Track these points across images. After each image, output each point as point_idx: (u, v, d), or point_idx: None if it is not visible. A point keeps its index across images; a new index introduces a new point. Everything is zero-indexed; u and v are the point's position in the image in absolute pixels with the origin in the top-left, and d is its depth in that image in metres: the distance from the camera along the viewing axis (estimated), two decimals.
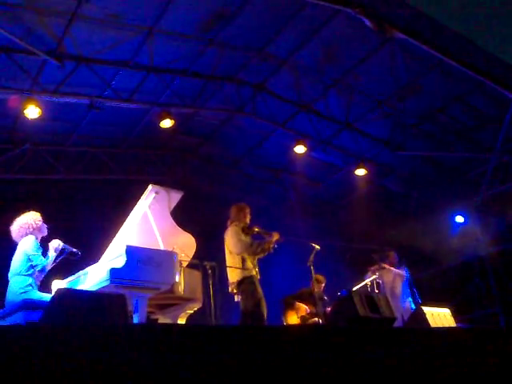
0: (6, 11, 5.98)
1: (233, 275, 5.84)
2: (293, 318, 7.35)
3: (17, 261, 4.82)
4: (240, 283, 5.76)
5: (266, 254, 6.08)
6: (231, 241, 5.93)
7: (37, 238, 4.95)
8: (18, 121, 7.70)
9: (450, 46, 7.05)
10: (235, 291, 5.83)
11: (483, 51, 7.16)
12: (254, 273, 5.84)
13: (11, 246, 5.01)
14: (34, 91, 6.96)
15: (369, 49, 7.46)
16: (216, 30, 6.91)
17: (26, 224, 4.98)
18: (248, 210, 6.17)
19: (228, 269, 5.90)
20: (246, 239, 5.92)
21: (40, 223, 5.06)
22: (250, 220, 6.18)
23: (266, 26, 7.02)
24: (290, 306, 7.42)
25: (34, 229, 4.98)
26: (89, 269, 5.11)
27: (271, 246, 5.99)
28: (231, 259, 5.92)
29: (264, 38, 7.27)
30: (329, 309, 7.20)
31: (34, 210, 5.12)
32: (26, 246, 4.85)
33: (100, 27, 6.48)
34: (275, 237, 6.01)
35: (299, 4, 6.49)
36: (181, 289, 5.27)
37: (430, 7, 6.39)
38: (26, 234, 4.95)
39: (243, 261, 5.83)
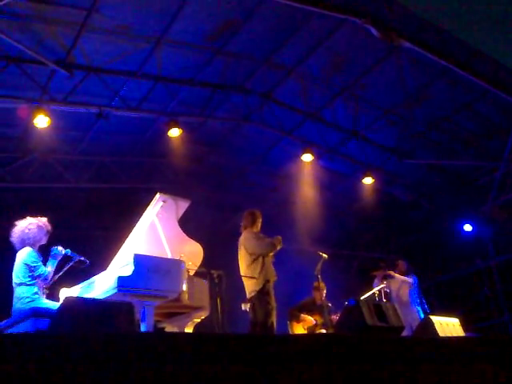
0: (16, 21, 6.06)
1: (249, 284, 5.80)
2: (299, 330, 7.29)
3: (18, 271, 4.75)
4: (259, 292, 5.72)
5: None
6: (253, 243, 5.90)
7: (33, 246, 4.85)
8: (27, 130, 7.77)
9: (456, 55, 7.06)
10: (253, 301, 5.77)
11: (490, 59, 7.17)
12: (273, 278, 5.81)
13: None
14: (43, 101, 7.02)
15: (376, 57, 7.47)
16: (223, 40, 6.95)
17: (19, 236, 4.86)
18: (261, 219, 6.17)
19: (245, 278, 5.85)
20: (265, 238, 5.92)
21: (33, 233, 4.86)
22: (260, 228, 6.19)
23: (273, 35, 7.05)
24: (296, 318, 7.36)
25: (28, 239, 4.83)
26: (97, 277, 5.12)
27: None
28: (249, 266, 5.85)
29: (271, 48, 7.31)
30: (334, 317, 7.15)
31: (42, 219, 5.02)
32: (24, 258, 4.76)
33: (109, 37, 6.54)
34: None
35: (306, 13, 6.52)
36: (188, 297, 5.26)
37: (435, 16, 6.42)
38: (22, 246, 4.84)
39: (263, 265, 5.79)
